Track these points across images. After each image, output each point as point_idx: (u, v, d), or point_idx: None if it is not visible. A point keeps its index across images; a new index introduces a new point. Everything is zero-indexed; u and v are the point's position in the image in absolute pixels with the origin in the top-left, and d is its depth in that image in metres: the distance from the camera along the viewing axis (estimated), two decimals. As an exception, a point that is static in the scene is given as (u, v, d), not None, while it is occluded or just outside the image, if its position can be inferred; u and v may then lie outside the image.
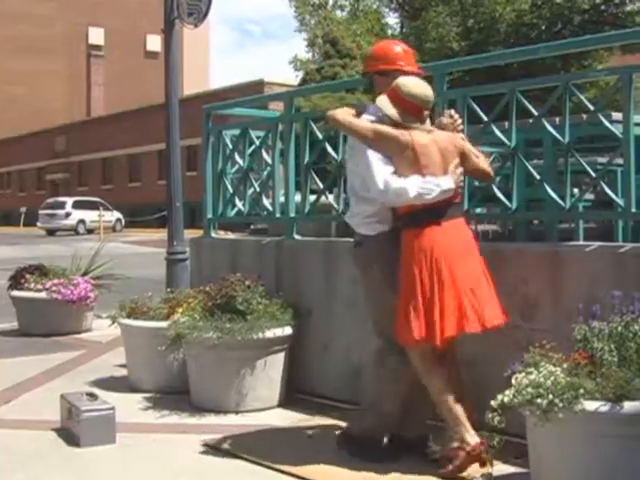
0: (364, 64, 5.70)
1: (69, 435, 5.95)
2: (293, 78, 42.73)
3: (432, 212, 5.01)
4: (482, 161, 5.36)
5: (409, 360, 5.13)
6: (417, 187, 4.93)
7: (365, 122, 5.16)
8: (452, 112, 5.46)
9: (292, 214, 7.44)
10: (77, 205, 49.96)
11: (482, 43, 37.55)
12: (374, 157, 5.08)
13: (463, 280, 4.97)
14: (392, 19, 46.46)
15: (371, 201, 5.17)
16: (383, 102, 5.18)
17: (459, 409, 5.04)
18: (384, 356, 5.34)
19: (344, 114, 5.29)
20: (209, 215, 8.48)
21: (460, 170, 5.12)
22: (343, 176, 6.56)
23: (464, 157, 5.20)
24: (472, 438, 4.94)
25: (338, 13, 45.30)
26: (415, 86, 5.15)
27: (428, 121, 5.27)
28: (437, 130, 5.23)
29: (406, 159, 5.03)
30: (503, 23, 38.43)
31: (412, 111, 5.13)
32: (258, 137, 8.08)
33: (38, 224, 49.72)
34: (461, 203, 5.50)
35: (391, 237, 5.19)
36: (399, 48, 5.53)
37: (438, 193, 4.96)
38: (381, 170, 5.04)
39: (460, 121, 5.44)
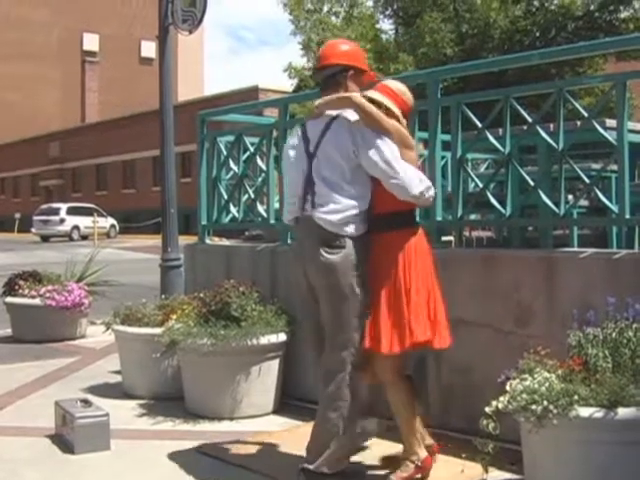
0: (336, 57, 5.13)
1: (63, 442, 5.94)
2: (288, 84, 42.72)
3: (414, 214, 5.12)
4: None
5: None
6: (427, 181, 4.95)
7: (382, 115, 4.94)
8: None
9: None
10: (71, 211, 49.85)
11: (476, 49, 37.60)
12: (397, 154, 4.87)
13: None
14: (386, 25, 46.40)
15: (362, 198, 4.92)
16: (384, 99, 5.06)
17: (416, 423, 5.05)
18: (348, 373, 4.94)
19: (363, 100, 4.99)
20: (203, 221, 8.48)
21: None
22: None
23: None
24: (423, 452, 5.03)
25: (332, 19, 45.25)
26: (403, 88, 5.18)
27: None
28: None
29: (411, 158, 4.96)
30: (497, 29, 38.47)
31: (406, 112, 5.15)
32: (252, 143, 8.08)
33: (32, 230, 49.62)
34: None
35: (366, 240, 4.96)
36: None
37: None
38: (407, 165, 4.87)
39: None
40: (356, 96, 4.96)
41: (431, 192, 4.91)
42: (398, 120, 5.02)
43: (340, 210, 4.87)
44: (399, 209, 4.90)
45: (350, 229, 4.88)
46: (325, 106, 5.06)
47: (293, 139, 5.29)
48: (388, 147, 4.84)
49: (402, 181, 4.78)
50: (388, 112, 5.00)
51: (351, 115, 4.95)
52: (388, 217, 4.91)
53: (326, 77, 5.16)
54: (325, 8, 46.07)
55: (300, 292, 5.32)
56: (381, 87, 5.18)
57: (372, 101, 4.99)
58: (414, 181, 4.80)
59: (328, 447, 4.94)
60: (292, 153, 5.21)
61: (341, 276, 4.86)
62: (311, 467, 4.93)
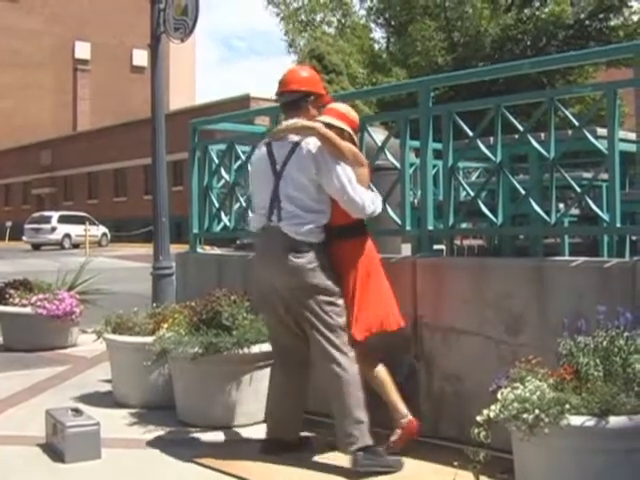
0: (298, 84, 5.75)
1: (54, 450, 5.92)
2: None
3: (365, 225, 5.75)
4: None
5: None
6: (377, 200, 5.69)
7: (340, 141, 5.54)
8: None
9: (278, 229, 7.43)
10: (63, 219, 49.84)
11: (467, 58, 37.72)
12: (352, 174, 5.53)
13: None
14: (378, 34, 46.58)
15: (323, 213, 5.55)
16: (340, 123, 5.69)
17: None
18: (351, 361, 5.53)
19: (326, 130, 5.58)
20: (195, 230, 8.47)
21: None
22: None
23: None
24: (407, 413, 5.66)
25: (325, 28, 45.38)
26: (347, 108, 5.90)
27: None
28: None
29: (363, 174, 5.64)
30: (488, 38, 38.61)
31: (355, 129, 5.82)
32: (244, 152, 8.08)
33: (24, 238, 49.61)
34: None
35: (326, 247, 5.61)
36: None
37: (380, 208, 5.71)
38: (360, 186, 5.56)
39: None
40: (320, 127, 5.54)
41: (378, 210, 5.67)
42: (352, 140, 5.70)
43: (304, 223, 5.50)
44: (352, 222, 5.61)
45: (312, 238, 5.51)
46: (289, 132, 5.62)
47: (259, 154, 5.88)
48: (344, 172, 5.47)
49: (355, 202, 5.49)
50: (343, 133, 5.61)
51: (312, 141, 5.50)
52: (344, 228, 5.59)
53: (288, 102, 5.79)
54: (318, 17, 46.20)
55: (260, 295, 5.95)
56: (329, 111, 5.81)
57: (330, 126, 5.59)
58: (366, 202, 5.52)
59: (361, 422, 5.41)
60: (258, 167, 5.85)
61: (312, 277, 5.49)
62: (358, 445, 5.34)
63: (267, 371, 6.71)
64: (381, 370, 5.69)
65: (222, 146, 8.39)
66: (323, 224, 5.54)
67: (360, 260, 5.57)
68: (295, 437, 5.90)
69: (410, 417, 5.63)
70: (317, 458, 5.68)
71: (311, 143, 5.51)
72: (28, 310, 10.58)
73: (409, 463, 5.43)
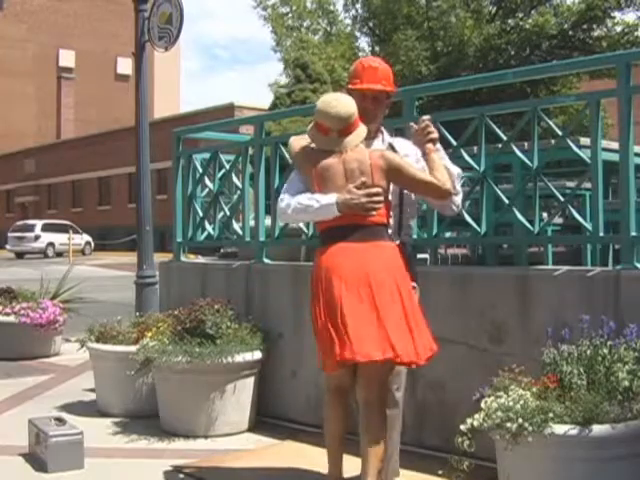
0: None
1: (37, 460, 5.89)
2: (264, 102, 42.84)
3: (335, 232, 4.77)
4: (429, 174, 4.84)
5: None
6: (296, 203, 4.82)
7: (298, 146, 5.05)
8: (425, 118, 5.10)
9: (262, 238, 7.44)
10: (46, 228, 49.70)
11: (451, 67, 37.80)
12: (290, 177, 5.12)
13: (342, 308, 4.60)
14: (363, 42, 46.67)
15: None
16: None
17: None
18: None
19: (296, 140, 5.13)
20: (179, 239, 8.46)
21: (368, 191, 4.70)
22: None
23: (392, 175, 4.81)
24: (333, 472, 4.97)
25: (311, 36, 45.49)
26: (322, 104, 4.93)
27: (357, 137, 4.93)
28: (355, 149, 4.86)
29: (310, 179, 4.86)
30: (471, 47, 38.71)
31: (319, 129, 4.91)
32: (228, 161, 8.08)
33: (7, 247, 49.45)
34: (383, 225, 4.83)
35: None
36: (362, 65, 5.22)
37: (316, 209, 4.74)
38: (284, 189, 5.02)
39: (430, 129, 5.00)
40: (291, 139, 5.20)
41: (309, 212, 4.81)
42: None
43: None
44: (324, 227, 4.87)
45: None
46: None
47: None
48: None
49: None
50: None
51: None
52: (319, 235, 4.97)
53: None
54: (305, 24, 46.32)
55: None
56: None
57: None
58: (278, 211, 5.07)
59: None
60: None
61: None
62: None
63: (250, 380, 6.72)
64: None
65: (206, 155, 8.39)
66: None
67: (316, 274, 4.81)
68: None
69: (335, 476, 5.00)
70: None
71: None
72: (11, 319, 10.55)
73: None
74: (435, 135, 5.01)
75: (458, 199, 5.10)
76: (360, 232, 4.71)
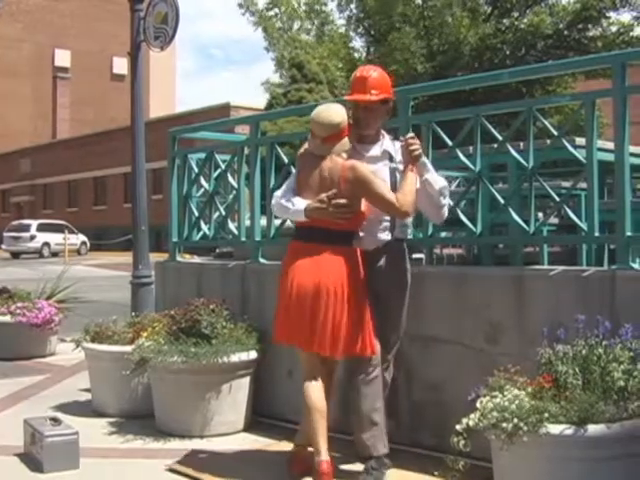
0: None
1: (32, 460, 5.88)
2: (260, 101, 42.82)
3: (302, 231, 5.36)
4: (392, 193, 5.18)
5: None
6: (279, 203, 5.41)
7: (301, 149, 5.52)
8: (408, 136, 5.42)
9: (257, 238, 7.44)
10: (42, 228, 49.64)
11: (446, 66, 37.81)
12: (288, 181, 5.55)
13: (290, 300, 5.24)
14: (359, 43, 46.66)
15: None
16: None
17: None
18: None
19: (304, 143, 5.55)
20: (174, 239, 8.46)
21: (337, 202, 5.11)
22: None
23: (357, 187, 5.15)
24: (321, 455, 5.08)
25: (304, 37, 45.49)
26: (315, 111, 5.35)
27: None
28: (333, 158, 5.23)
29: (296, 182, 5.41)
30: (467, 46, 38.72)
31: (312, 135, 5.34)
32: (224, 161, 8.07)
33: (2, 247, 49.37)
34: (348, 232, 5.28)
35: None
36: (355, 75, 5.50)
37: (291, 212, 5.33)
38: (282, 187, 5.57)
39: (413, 147, 5.30)
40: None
41: (286, 213, 5.47)
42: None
43: None
44: (297, 225, 5.49)
45: None
46: None
47: None
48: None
49: None
50: None
51: None
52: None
53: None
54: (295, 26, 46.32)
55: None
56: None
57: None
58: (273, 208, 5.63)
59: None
60: None
61: None
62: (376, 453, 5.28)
63: (246, 380, 6.71)
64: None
65: (202, 155, 8.38)
66: None
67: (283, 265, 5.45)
68: None
69: (323, 459, 5.09)
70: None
71: None
72: (7, 318, 10.54)
73: (389, 472, 5.41)
74: (418, 152, 5.32)
75: (443, 212, 5.51)
76: (319, 236, 5.22)
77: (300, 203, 5.23)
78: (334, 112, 5.26)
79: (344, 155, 5.23)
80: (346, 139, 5.23)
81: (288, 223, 7.13)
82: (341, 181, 5.13)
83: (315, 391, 5.25)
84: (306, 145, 5.44)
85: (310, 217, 5.18)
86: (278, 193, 5.50)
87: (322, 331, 5.12)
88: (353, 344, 5.18)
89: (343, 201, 5.11)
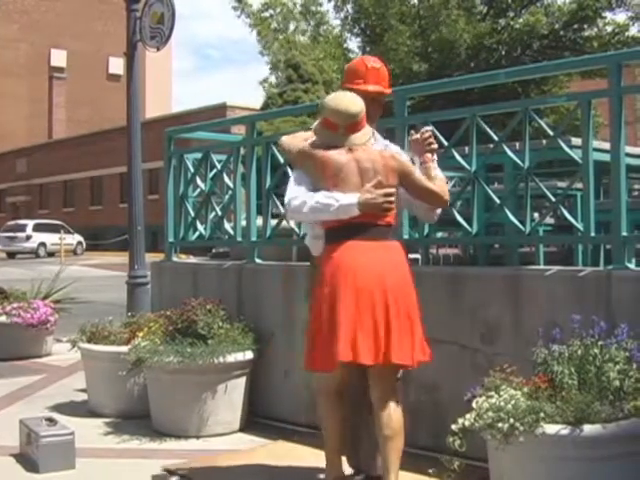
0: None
1: (28, 461, 5.88)
2: (256, 101, 42.86)
3: (347, 230, 4.74)
4: (431, 183, 4.94)
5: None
6: (314, 202, 4.73)
7: (298, 145, 5.00)
8: (425, 129, 5.22)
9: (253, 238, 7.44)
10: (38, 228, 49.56)
11: (442, 66, 37.83)
12: (295, 176, 4.97)
13: (356, 308, 4.62)
14: (354, 43, 46.74)
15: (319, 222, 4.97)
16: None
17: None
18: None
19: (289, 139, 5.17)
20: (170, 239, 8.45)
21: (386, 191, 4.72)
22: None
23: (402, 176, 4.85)
24: (331, 474, 5.03)
25: (299, 38, 45.52)
26: (330, 99, 4.94)
27: (366, 137, 4.96)
28: (365, 148, 4.87)
29: (319, 178, 4.82)
30: (463, 46, 38.74)
31: (327, 126, 4.90)
32: (220, 161, 8.07)
33: (-2, 247, 49.37)
34: (392, 226, 4.89)
35: None
36: (365, 65, 5.23)
37: (335, 209, 4.69)
38: (293, 188, 4.90)
39: (432, 140, 5.10)
40: (282, 138, 5.31)
41: (328, 211, 4.73)
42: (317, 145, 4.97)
43: (316, 237, 5.13)
44: (333, 225, 4.85)
45: (315, 252, 5.19)
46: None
47: None
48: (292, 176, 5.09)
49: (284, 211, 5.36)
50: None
51: None
52: (326, 233, 4.95)
53: None
54: (291, 27, 46.33)
55: None
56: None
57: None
58: (289, 210, 4.95)
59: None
60: None
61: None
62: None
63: (242, 380, 6.71)
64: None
65: (198, 155, 8.38)
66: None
67: (326, 272, 4.78)
68: None
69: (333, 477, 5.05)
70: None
71: None
72: (3, 319, 10.54)
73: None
74: (435, 146, 5.14)
75: (437, 211, 5.28)
76: (371, 231, 4.75)
77: (346, 198, 4.68)
78: (356, 99, 4.91)
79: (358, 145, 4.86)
80: (368, 126, 4.96)
81: (284, 224, 7.15)
82: (387, 170, 4.79)
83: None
84: (298, 142, 5.04)
85: (363, 211, 4.68)
86: (299, 195, 4.82)
87: (399, 338, 4.64)
88: (422, 350, 4.83)
89: (392, 190, 4.76)
